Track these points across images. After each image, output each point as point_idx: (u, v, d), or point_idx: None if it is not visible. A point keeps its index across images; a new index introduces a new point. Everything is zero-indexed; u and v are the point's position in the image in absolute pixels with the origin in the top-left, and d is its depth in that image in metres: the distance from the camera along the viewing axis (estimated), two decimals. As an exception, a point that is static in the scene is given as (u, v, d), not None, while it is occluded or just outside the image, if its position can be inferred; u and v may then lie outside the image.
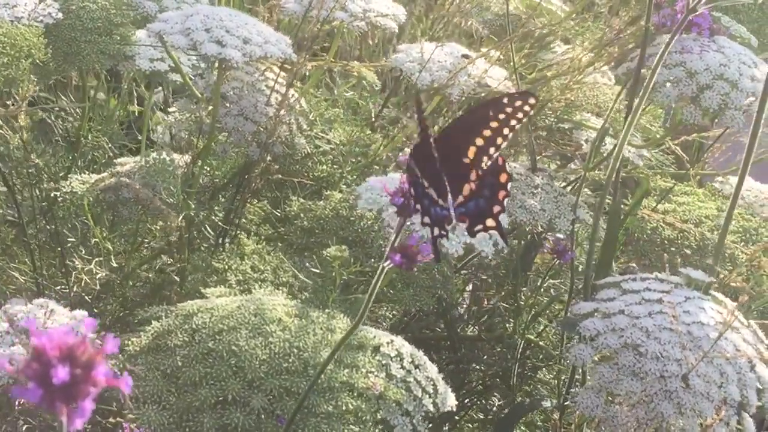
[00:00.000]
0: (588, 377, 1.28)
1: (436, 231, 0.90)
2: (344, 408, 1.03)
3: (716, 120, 1.37)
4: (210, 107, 1.37)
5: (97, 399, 0.53)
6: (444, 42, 1.44)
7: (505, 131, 0.94)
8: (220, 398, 1.01)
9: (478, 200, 0.94)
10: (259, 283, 1.26)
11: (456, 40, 1.67)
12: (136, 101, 2.02)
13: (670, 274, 1.18)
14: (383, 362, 1.08)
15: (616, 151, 1.12)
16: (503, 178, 0.94)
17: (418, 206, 0.88)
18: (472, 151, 0.95)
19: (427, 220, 0.89)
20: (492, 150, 0.94)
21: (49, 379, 0.49)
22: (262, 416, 1.01)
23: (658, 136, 1.46)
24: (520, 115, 0.94)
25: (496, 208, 0.94)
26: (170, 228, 1.20)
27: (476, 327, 1.70)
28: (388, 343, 1.10)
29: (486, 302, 1.80)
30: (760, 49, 1.41)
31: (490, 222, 0.94)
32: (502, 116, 0.94)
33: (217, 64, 1.28)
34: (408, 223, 1.26)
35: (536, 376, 1.61)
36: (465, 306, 1.79)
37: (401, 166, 1.06)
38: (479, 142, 0.95)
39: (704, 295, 1.13)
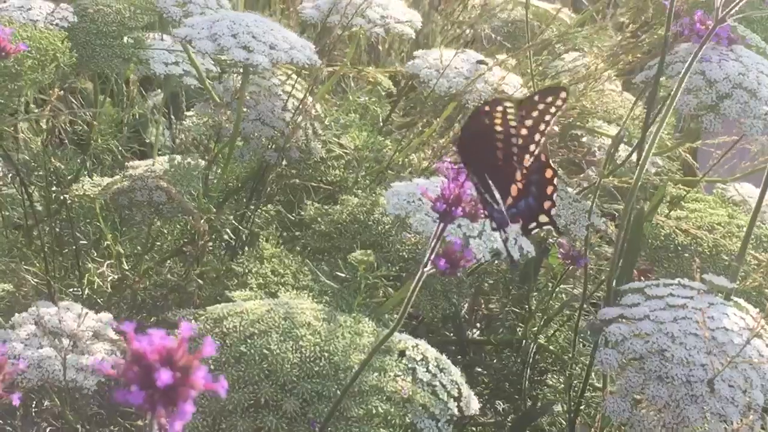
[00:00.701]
0: (609, 382, 1.29)
1: (504, 234, 0.92)
2: (374, 411, 1.04)
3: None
4: (228, 112, 1.38)
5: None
6: (462, 48, 1.45)
7: (541, 127, 0.96)
8: (252, 401, 1.02)
9: (527, 199, 0.96)
10: (280, 286, 1.27)
11: (461, 47, 1.68)
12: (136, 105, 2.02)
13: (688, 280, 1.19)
14: (410, 366, 1.09)
15: (643, 159, 1.14)
16: (549, 173, 0.96)
17: (486, 212, 0.90)
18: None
19: (494, 225, 0.91)
20: (533, 147, 0.96)
21: (152, 382, 0.49)
22: (295, 419, 1.02)
23: (668, 143, 1.48)
24: (553, 110, 0.96)
25: (547, 204, 0.96)
26: (201, 232, 1.20)
27: (483, 331, 1.71)
28: (413, 347, 1.11)
29: (484, 306, 1.81)
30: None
31: (542, 218, 0.96)
32: (535, 114, 0.96)
33: (242, 70, 1.29)
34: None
35: (545, 381, 1.62)
36: (464, 310, 1.80)
37: (439, 172, 1.07)
38: (519, 141, 0.96)
39: (726, 300, 1.14)
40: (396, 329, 0.95)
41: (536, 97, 0.96)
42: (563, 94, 0.96)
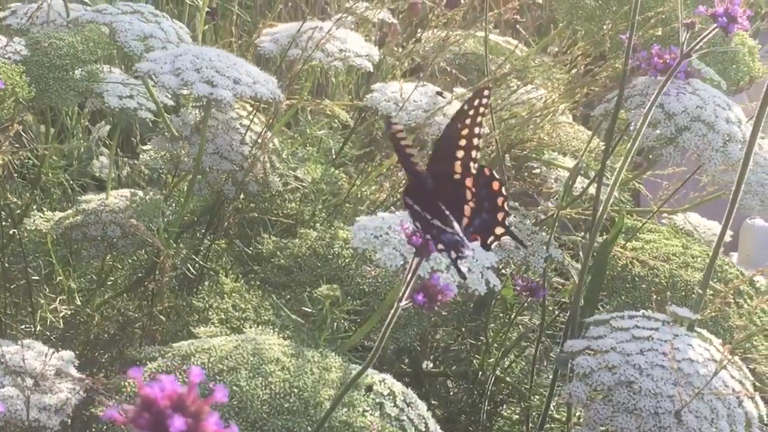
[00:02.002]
0: (573, 413, 1.30)
1: (453, 254, 0.92)
2: (344, 448, 1.03)
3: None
4: (187, 145, 1.37)
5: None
6: (420, 81, 1.46)
7: (476, 130, 0.97)
8: (223, 439, 1.01)
9: (481, 215, 0.96)
10: (241, 321, 1.26)
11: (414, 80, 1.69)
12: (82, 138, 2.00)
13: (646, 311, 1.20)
14: (377, 401, 1.09)
15: (609, 192, 1.15)
16: (495, 185, 0.97)
17: (428, 236, 0.89)
18: (458, 165, 0.98)
19: (441, 246, 0.91)
20: (474, 153, 0.97)
21: (164, 429, 0.49)
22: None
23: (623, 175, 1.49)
24: (481, 110, 0.98)
25: (500, 215, 0.96)
26: (164, 268, 1.19)
27: (436, 363, 1.71)
28: (380, 381, 1.11)
29: (432, 338, 1.81)
30: (727, 91, 1.45)
31: (498, 230, 0.96)
32: (468, 120, 0.97)
33: (204, 104, 1.28)
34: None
35: (501, 412, 1.62)
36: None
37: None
38: (460, 153, 0.97)
39: (689, 331, 1.15)
40: (369, 366, 0.95)
41: (465, 106, 0.97)
42: (486, 93, 0.98)
